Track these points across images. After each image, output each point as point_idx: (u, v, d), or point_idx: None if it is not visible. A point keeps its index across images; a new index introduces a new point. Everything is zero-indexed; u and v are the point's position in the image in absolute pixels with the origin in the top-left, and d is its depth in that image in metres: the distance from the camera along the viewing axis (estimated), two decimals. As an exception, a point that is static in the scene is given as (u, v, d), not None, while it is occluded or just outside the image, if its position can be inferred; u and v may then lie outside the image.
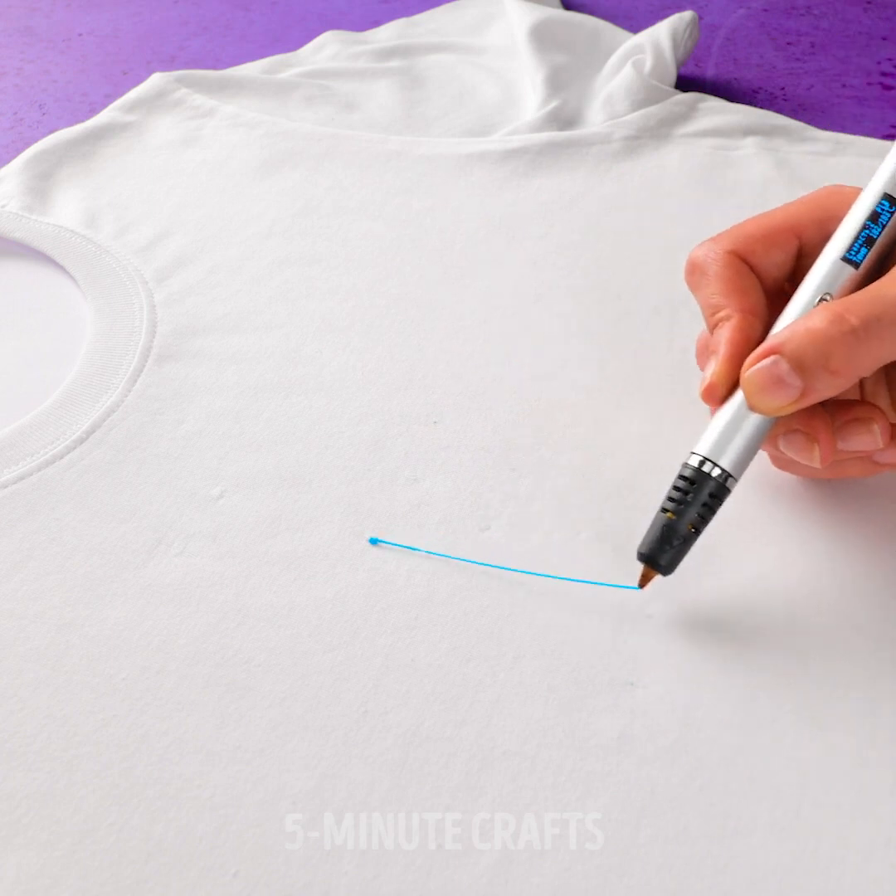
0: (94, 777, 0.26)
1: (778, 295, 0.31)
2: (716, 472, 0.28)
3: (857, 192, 0.30)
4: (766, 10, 0.65)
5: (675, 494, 0.29)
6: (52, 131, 0.51)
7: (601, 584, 0.30)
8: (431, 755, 0.26)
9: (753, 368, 0.28)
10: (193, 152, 0.50)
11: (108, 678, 0.28)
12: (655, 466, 0.33)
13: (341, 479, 0.33)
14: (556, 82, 0.53)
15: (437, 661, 0.28)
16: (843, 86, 0.57)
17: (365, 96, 0.55)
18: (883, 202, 0.29)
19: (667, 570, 0.29)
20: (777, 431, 0.29)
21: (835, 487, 0.32)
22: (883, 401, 0.31)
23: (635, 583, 0.29)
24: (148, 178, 0.48)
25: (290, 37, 0.65)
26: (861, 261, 0.29)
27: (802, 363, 0.27)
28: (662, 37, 0.54)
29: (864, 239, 0.29)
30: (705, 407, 0.30)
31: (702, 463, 0.28)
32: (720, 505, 0.29)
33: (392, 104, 0.54)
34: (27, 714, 0.27)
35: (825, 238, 0.30)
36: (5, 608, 0.30)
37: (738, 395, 0.29)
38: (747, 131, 0.49)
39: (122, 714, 0.27)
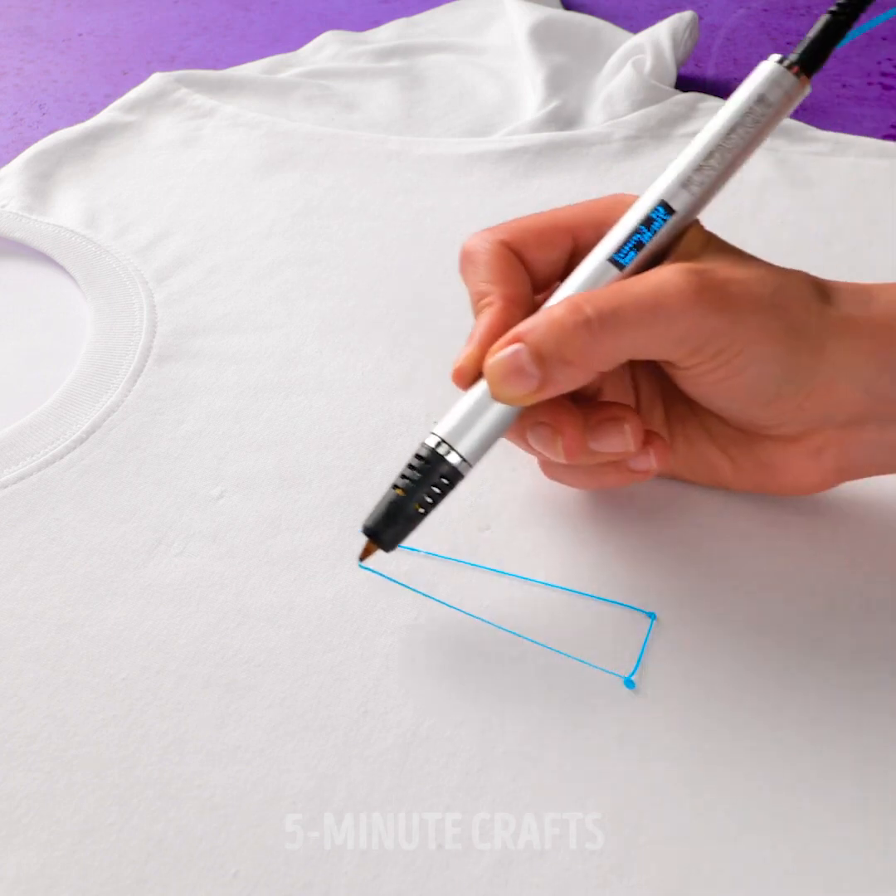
0: (94, 777, 0.26)
1: (550, 294, 0.30)
2: (451, 456, 0.28)
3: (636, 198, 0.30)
4: (766, 10, 0.65)
5: (408, 472, 0.28)
6: (52, 131, 0.51)
7: (604, 599, 0.30)
8: (431, 755, 0.26)
9: (496, 357, 0.27)
10: (193, 152, 0.50)
11: (108, 678, 0.28)
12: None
13: (341, 479, 0.33)
14: (556, 82, 0.53)
15: (437, 662, 0.28)
16: (843, 86, 0.57)
17: (365, 96, 0.55)
18: (658, 208, 0.28)
19: (389, 546, 0.29)
20: (525, 424, 0.29)
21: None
22: (658, 417, 0.32)
23: (629, 599, 0.29)
24: (148, 178, 0.48)
25: (290, 37, 0.65)
26: (627, 264, 0.28)
27: (540, 352, 0.27)
28: (662, 37, 0.54)
29: (635, 243, 0.28)
30: None
31: (439, 444, 0.28)
32: (452, 489, 0.28)
33: (392, 104, 0.54)
34: (27, 714, 0.27)
35: (600, 241, 0.29)
36: (5, 608, 0.30)
37: (484, 382, 0.28)
38: (747, 131, 0.49)
39: (122, 714, 0.27)
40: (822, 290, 0.28)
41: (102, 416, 0.35)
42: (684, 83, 0.56)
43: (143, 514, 0.32)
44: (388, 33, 0.62)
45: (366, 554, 0.29)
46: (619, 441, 0.29)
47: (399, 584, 0.30)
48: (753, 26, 0.63)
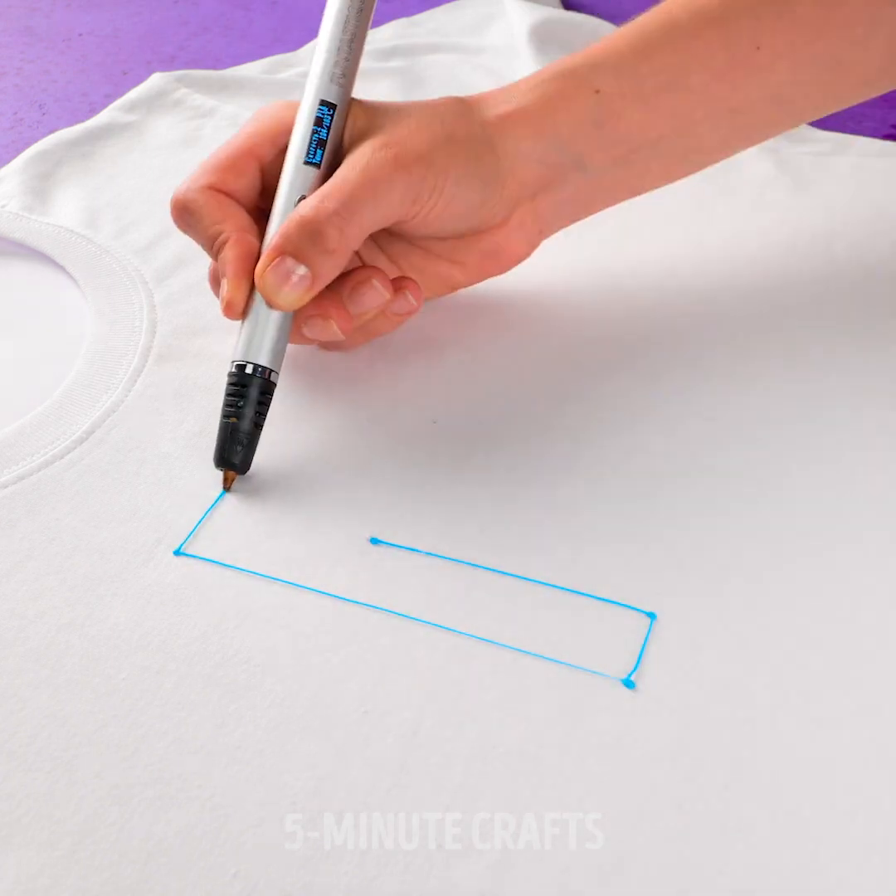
0: (93, 777, 0.26)
1: (258, 215, 0.35)
2: (258, 372, 0.32)
3: (293, 106, 0.34)
4: (766, 10, 0.65)
5: (231, 400, 0.32)
6: (52, 131, 0.51)
7: (604, 599, 0.30)
8: (431, 755, 0.26)
9: (267, 271, 0.31)
10: (193, 152, 0.50)
11: (108, 678, 0.28)
12: (652, 466, 0.33)
13: (341, 479, 0.33)
14: (556, 82, 0.53)
15: (437, 661, 0.28)
16: (843, 86, 0.57)
17: (365, 96, 0.55)
18: (321, 108, 0.33)
19: (242, 468, 0.32)
20: (298, 323, 0.33)
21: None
22: (383, 263, 0.36)
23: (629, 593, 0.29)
24: (148, 178, 0.48)
25: (290, 37, 0.65)
26: (320, 161, 0.33)
27: (304, 253, 0.31)
28: (662, 37, 0.54)
29: (317, 142, 0.33)
30: None
31: (243, 367, 0.32)
32: (271, 398, 0.33)
33: (392, 104, 0.54)
34: (27, 714, 0.27)
35: (281, 153, 0.34)
36: (5, 608, 0.30)
37: (257, 300, 0.32)
38: (747, 131, 0.49)
39: (122, 714, 0.27)
40: (469, 105, 0.35)
41: (102, 416, 0.35)
42: (684, 83, 0.56)
43: (143, 514, 0.32)
44: (388, 33, 0.62)
45: (228, 482, 0.33)
46: (375, 295, 0.33)
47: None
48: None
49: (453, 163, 0.33)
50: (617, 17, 0.62)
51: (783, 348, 0.38)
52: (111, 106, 0.53)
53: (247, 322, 0.32)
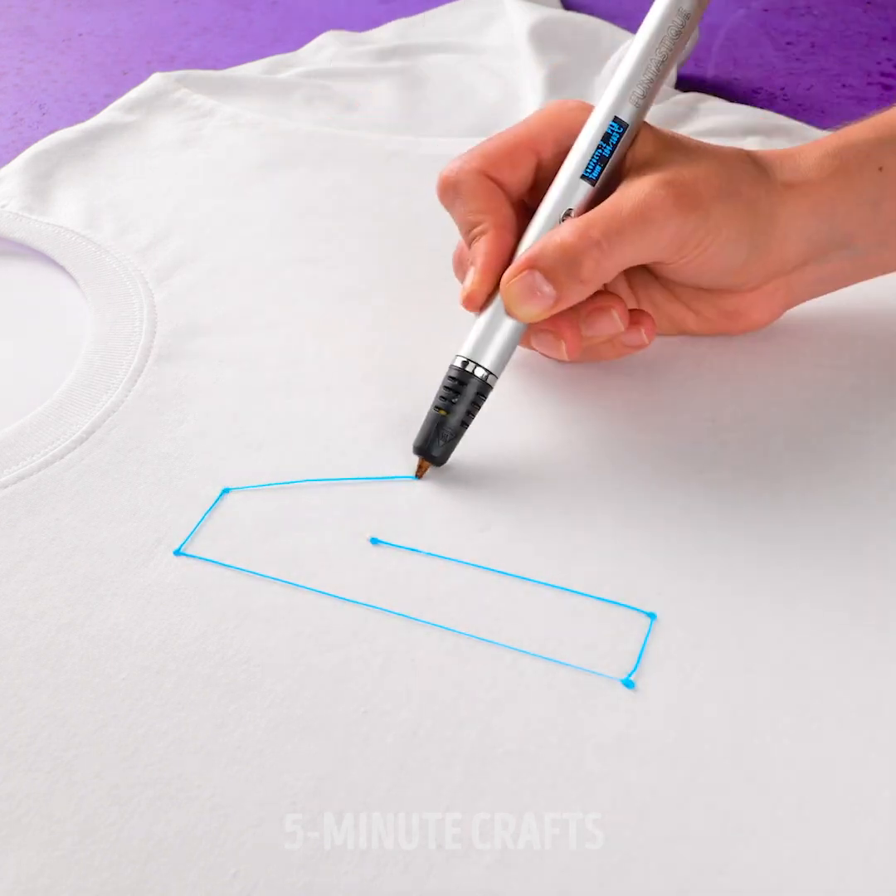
0: (93, 777, 0.26)
1: (520, 208, 0.35)
2: (479, 372, 0.32)
3: (585, 110, 0.34)
4: (766, 10, 0.65)
5: (445, 393, 0.33)
6: (52, 131, 0.51)
7: (604, 599, 0.30)
8: (431, 755, 0.26)
9: (513, 281, 0.32)
10: (193, 152, 0.50)
11: (108, 678, 0.28)
12: (652, 466, 0.33)
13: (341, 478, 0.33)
14: (556, 82, 0.53)
15: (437, 661, 0.28)
16: (843, 86, 0.57)
17: (365, 96, 0.55)
18: (612, 124, 0.33)
19: (439, 461, 0.33)
20: (528, 333, 0.33)
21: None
22: (623, 290, 0.36)
23: (635, 605, 0.29)
24: (148, 178, 0.48)
25: (290, 37, 0.65)
26: (597, 178, 0.33)
27: (556, 275, 0.31)
28: (662, 37, 0.54)
29: (598, 158, 0.33)
30: None
31: (465, 364, 0.33)
32: (484, 400, 0.33)
33: (392, 104, 0.54)
34: (27, 714, 0.27)
35: (560, 154, 0.34)
36: (5, 608, 0.30)
37: (496, 302, 0.33)
38: (747, 131, 0.49)
39: (122, 714, 0.27)
40: (758, 164, 0.34)
41: (102, 416, 0.35)
42: (684, 83, 0.56)
43: (143, 514, 0.32)
44: (388, 33, 0.62)
45: (421, 471, 0.33)
46: (610, 325, 0.33)
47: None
48: (753, 26, 0.63)
49: (729, 222, 0.32)
50: (617, 18, 0.62)
51: (783, 348, 0.38)
52: (111, 106, 0.53)
53: (480, 320, 0.33)
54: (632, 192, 0.31)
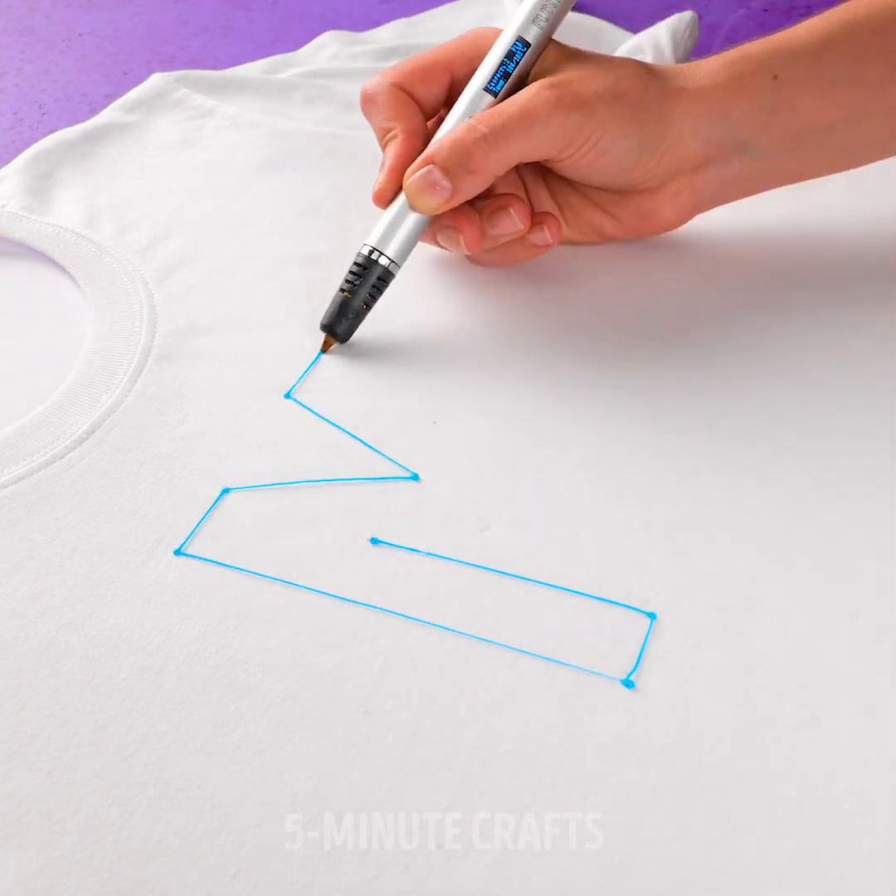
0: (93, 777, 0.26)
1: (437, 121, 0.38)
2: (383, 260, 0.37)
3: (498, 34, 0.37)
4: (766, 10, 0.65)
5: (351, 277, 0.37)
6: (52, 131, 0.51)
7: (604, 599, 0.30)
8: (431, 755, 0.26)
9: (413, 176, 0.35)
10: (193, 152, 0.50)
11: (108, 678, 0.28)
12: (652, 466, 0.33)
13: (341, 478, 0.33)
14: (556, 82, 0.53)
15: (437, 662, 0.28)
16: (843, 86, 0.57)
17: (351, 95, 0.55)
18: (516, 43, 0.36)
19: (343, 338, 0.37)
20: (434, 229, 0.37)
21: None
22: (545, 198, 0.40)
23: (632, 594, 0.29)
24: (148, 178, 0.48)
25: (290, 37, 0.65)
26: (499, 91, 0.36)
27: (448, 167, 0.35)
28: (662, 37, 0.54)
29: (502, 73, 0.36)
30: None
31: (371, 252, 0.37)
32: (386, 286, 0.37)
33: (392, 104, 0.54)
34: (27, 714, 0.27)
35: (473, 73, 0.37)
36: (5, 608, 0.30)
37: (401, 198, 0.36)
38: (747, 131, 0.49)
39: (122, 714, 0.27)
40: (652, 72, 0.37)
41: (102, 416, 0.35)
42: (684, 83, 0.56)
43: (143, 514, 0.32)
44: (388, 33, 0.62)
45: (326, 346, 0.37)
46: (510, 223, 0.37)
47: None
48: (753, 26, 0.63)
49: (615, 120, 0.35)
50: (617, 18, 0.62)
51: (782, 349, 0.38)
52: (111, 106, 0.53)
53: (386, 214, 0.37)
54: (519, 95, 0.35)
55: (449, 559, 0.31)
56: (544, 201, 0.40)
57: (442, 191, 0.35)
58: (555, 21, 0.37)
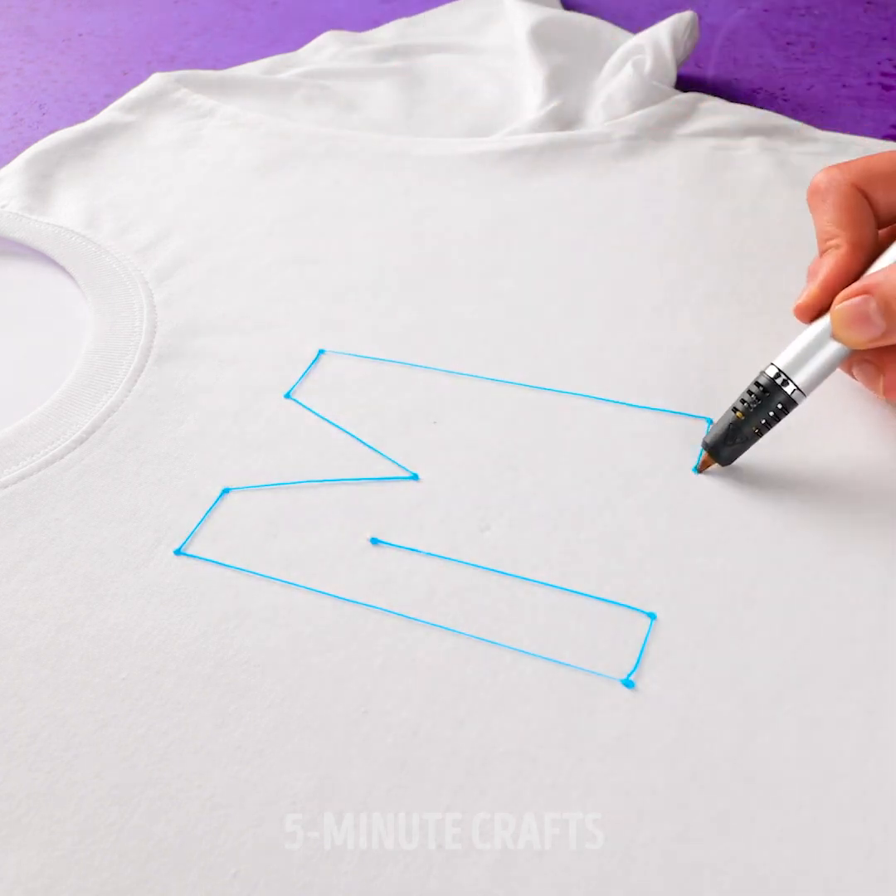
0: (93, 777, 0.26)
1: (891, 231, 0.33)
2: (788, 387, 0.31)
3: None
4: (766, 10, 0.65)
5: (747, 397, 0.32)
6: (52, 131, 0.51)
7: (604, 599, 0.30)
8: (431, 755, 0.26)
9: (845, 303, 0.30)
10: (193, 152, 0.50)
11: (108, 678, 0.28)
12: (652, 466, 0.33)
13: (341, 478, 0.33)
14: (556, 82, 0.53)
15: (437, 662, 0.28)
16: (843, 86, 0.57)
17: (365, 96, 0.55)
18: None
19: (726, 461, 0.33)
20: (852, 359, 0.32)
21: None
22: None
23: (639, 604, 0.29)
24: (148, 178, 0.48)
25: (290, 37, 0.65)
26: None
27: (890, 307, 0.30)
28: (662, 37, 0.54)
29: None
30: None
31: (777, 375, 0.31)
32: (786, 415, 0.32)
33: (392, 104, 0.54)
34: (27, 714, 0.27)
35: None
36: (5, 608, 0.30)
37: (824, 320, 0.31)
38: (747, 131, 0.49)
39: (122, 714, 0.27)
40: None
41: (102, 416, 0.35)
42: (684, 83, 0.56)
43: (143, 514, 0.32)
44: (388, 33, 0.62)
45: (704, 466, 0.33)
46: None
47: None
48: (753, 26, 0.63)
49: None
50: (617, 18, 0.62)
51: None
52: (111, 106, 0.53)
53: (805, 334, 0.32)
54: None
55: (449, 559, 0.31)
56: None
57: (872, 328, 0.30)
58: None
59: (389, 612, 0.29)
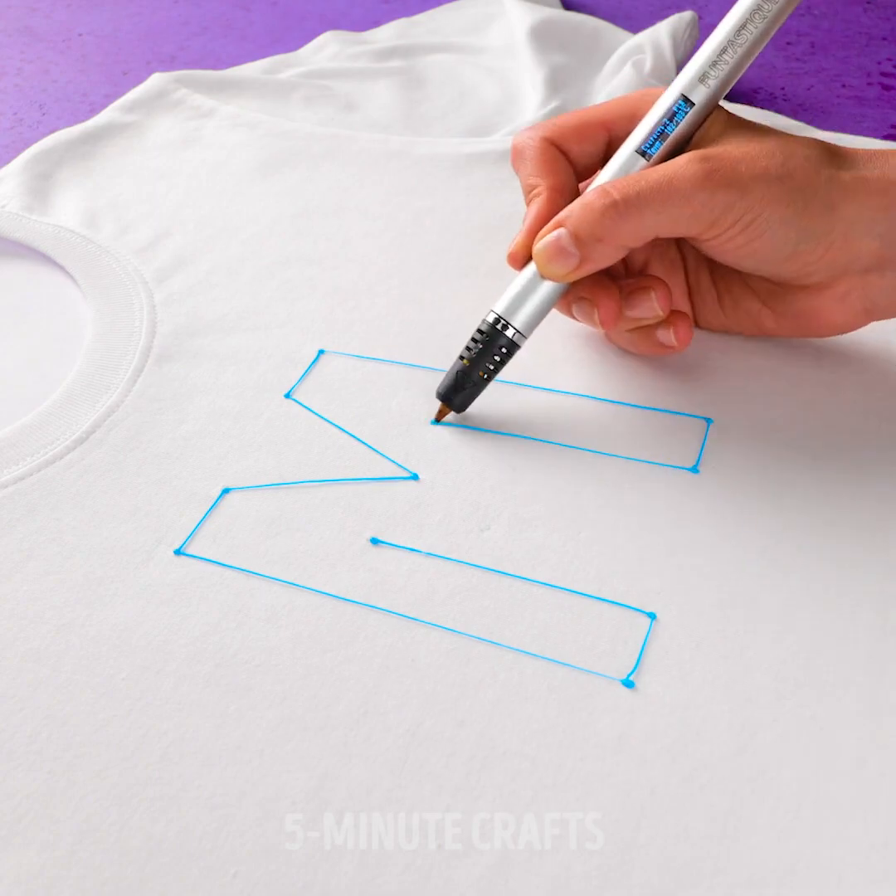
0: (93, 777, 0.26)
1: (590, 183, 0.35)
2: (509, 331, 0.33)
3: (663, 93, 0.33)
4: (766, 10, 0.65)
5: (472, 344, 0.34)
6: (52, 131, 0.51)
7: (604, 599, 0.30)
8: (431, 755, 0.26)
9: (542, 241, 0.32)
10: (193, 152, 0.50)
11: (108, 678, 0.28)
12: (652, 466, 0.33)
13: (341, 478, 0.33)
14: (556, 82, 0.53)
15: (437, 661, 0.28)
16: (843, 86, 0.57)
17: (365, 96, 0.55)
18: (679, 102, 0.32)
19: (459, 408, 0.34)
20: (570, 299, 0.34)
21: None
22: (705, 280, 0.36)
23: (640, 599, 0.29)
24: (148, 178, 0.48)
25: (290, 37, 0.65)
26: (653, 153, 0.33)
27: (578, 234, 0.32)
28: (662, 37, 0.54)
29: (659, 134, 0.33)
30: None
31: (496, 320, 0.33)
32: (510, 358, 0.34)
33: (392, 104, 0.54)
34: (27, 714, 0.27)
35: (631, 133, 0.34)
36: (5, 608, 0.30)
37: (534, 265, 0.33)
38: (747, 131, 0.49)
39: (122, 714, 0.27)
40: (833, 156, 0.32)
41: (102, 416, 0.35)
42: (684, 83, 0.56)
43: (143, 514, 0.32)
44: (388, 33, 0.62)
45: (440, 415, 0.35)
46: (648, 307, 0.33)
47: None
48: (753, 26, 0.63)
49: (772, 204, 0.31)
50: (617, 18, 0.62)
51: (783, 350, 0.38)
52: (111, 106, 0.53)
53: (517, 280, 0.33)
54: (666, 164, 0.31)
55: (449, 559, 0.31)
56: (702, 280, 0.37)
57: (569, 258, 0.32)
58: (725, 82, 0.32)
59: (389, 612, 0.29)
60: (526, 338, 0.34)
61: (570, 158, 0.35)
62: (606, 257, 0.32)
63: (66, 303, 0.42)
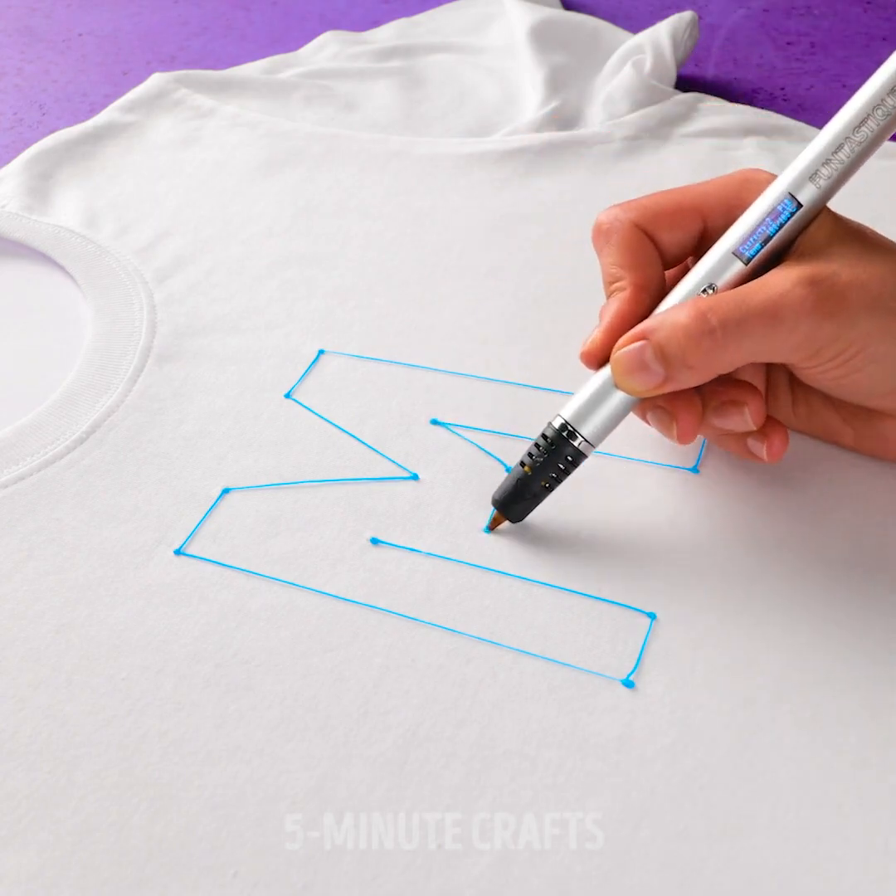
0: (93, 777, 0.26)
1: (681, 270, 0.32)
2: (576, 439, 0.30)
3: (769, 181, 0.30)
4: (766, 10, 0.65)
5: (534, 451, 0.30)
6: (52, 131, 0.51)
7: (604, 599, 0.30)
8: (431, 755, 0.26)
9: (622, 351, 0.29)
10: (193, 152, 0.50)
11: (108, 678, 0.28)
12: (652, 466, 0.33)
13: (341, 478, 0.33)
14: (556, 82, 0.53)
15: (437, 661, 0.28)
16: (843, 86, 0.57)
17: (365, 96, 0.55)
18: (786, 201, 0.29)
19: (516, 518, 0.31)
20: (645, 406, 0.30)
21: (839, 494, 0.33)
22: (783, 384, 0.33)
23: (641, 600, 0.29)
24: (148, 178, 0.48)
25: (290, 37, 0.65)
26: (752, 257, 0.29)
27: (665, 354, 0.28)
28: (662, 37, 0.54)
29: (760, 235, 0.29)
30: None
31: (563, 427, 0.30)
32: (575, 468, 0.30)
33: (392, 104, 0.54)
34: (27, 714, 0.27)
35: (729, 224, 0.30)
36: (5, 608, 0.30)
37: (608, 368, 0.30)
38: (747, 131, 0.49)
39: (122, 714, 0.27)
40: None
41: (102, 416, 0.35)
42: (684, 83, 0.56)
43: (143, 514, 0.32)
44: (388, 33, 0.62)
45: (495, 524, 0.32)
46: (739, 421, 0.30)
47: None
48: (753, 26, 0.63)
49: (882, 336, 0.28)
50: (617, 18, 0.62)
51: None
52: (111, 106, 0.53)
53: (590, 383, 0.30)
54: (770, 283, 0.28)
55: (449, 559, 0.31)
56: (780, 384, 0.33)
57: (652, 376, 0.28)
58: (837, 182, 0.29)
59: (389, 612, 0.29)
60: (594, 447, 0.30)
61: (659, 246, 0.31)
62: (693, 383, 0.29)
63: (66, 303, 0.42)
